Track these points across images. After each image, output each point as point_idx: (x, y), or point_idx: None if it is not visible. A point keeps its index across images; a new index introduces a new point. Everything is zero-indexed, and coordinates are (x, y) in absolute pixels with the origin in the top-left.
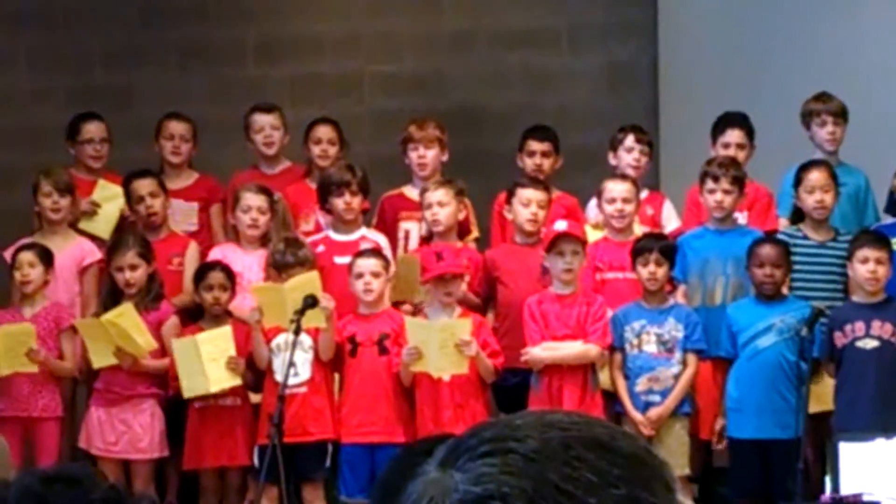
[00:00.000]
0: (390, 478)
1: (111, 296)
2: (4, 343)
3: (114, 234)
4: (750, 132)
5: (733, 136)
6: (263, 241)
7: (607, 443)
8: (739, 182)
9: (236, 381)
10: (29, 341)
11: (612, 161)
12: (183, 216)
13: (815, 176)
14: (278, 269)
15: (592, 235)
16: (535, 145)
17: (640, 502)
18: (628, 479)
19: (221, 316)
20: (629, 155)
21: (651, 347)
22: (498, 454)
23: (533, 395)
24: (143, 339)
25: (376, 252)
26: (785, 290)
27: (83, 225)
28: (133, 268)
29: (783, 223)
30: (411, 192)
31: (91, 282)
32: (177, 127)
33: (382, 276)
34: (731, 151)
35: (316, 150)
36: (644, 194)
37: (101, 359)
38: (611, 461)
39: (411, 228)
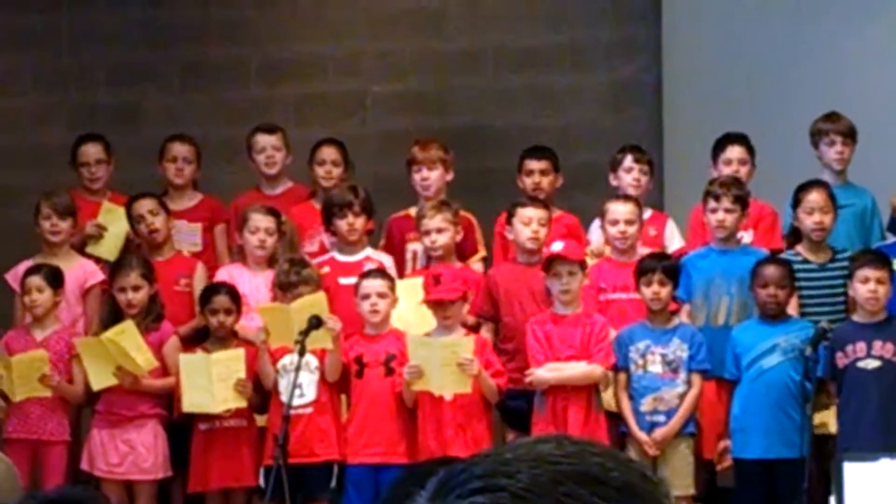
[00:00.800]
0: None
1: (112, 316)
2: (18, 370)
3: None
4: (750, 149)
5: (734, 152)
6: (271, 262)
7: (598, 475)
8: (742, 201)
9: (241, 403)
10: (42, 367)
11: (613, 182)
12: (187, 237)
13: (814, 197)
14: (283, 289)
15: (593, 262)
16: (532, 164)
17: None
18: None
19: (227, 338)
20: (629, 175)
21: (656, 368)
22: (487, 492)
23: (537, 417)
24: (144, 358)
25: (382, 272)
26: (792, 311)
27: (90, 249)
28: (136, 289)
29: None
30: None
31: (94, 303)
32: (180, 149)
33: (389, 297)
34: (734, 167)
35: (320, 171)
36: (647, 214)
37: (101, 380)
38: (602, 495)
39: (419, 249)
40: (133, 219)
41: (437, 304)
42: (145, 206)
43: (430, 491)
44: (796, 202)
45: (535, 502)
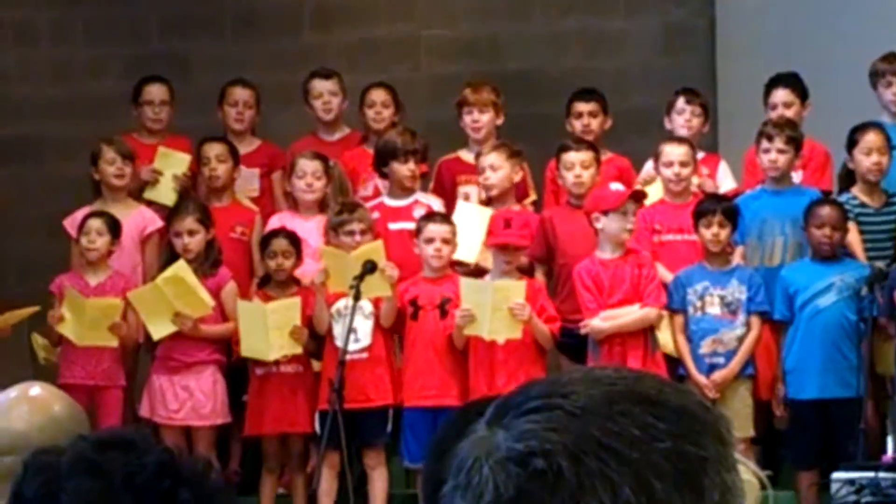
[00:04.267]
0: (443, 439)
1: (170, 262)
2: (91, 314)
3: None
4: (799, 91)
5: (778, 95)
6: (321, 207)
7: (653, 396)
8: (795, 142)
9: (296, 350)
10: (115, 316)
11: (668, 125)
12: (245, 182)
13: (872, 138)
14: (336, 229)
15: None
16: (581, 106)
17: (687, 455)
18: (674, 433)
19: (287, 282)
20: (680, 117)
21: (714, 309)
22: (543, 410)
23: (591, 362)
24: (203, 295)
25: (446, 217)
26: (857, 252)
27: (147, 194)
28: (192, 233)
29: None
30: (467, 155)
31: (153, 250)
32: (241, 93)
33: (452, 243)
34: (779, 111)
35: (370, 113)
36: (699, 157)
37: (160, 329)
38: (657, 415)
39: (470, 192)
40: (201, 160)
41: (503, 248)
42: (214, 150)
43: (488, 416)
44: (852, 143)
45: (589, 420)
